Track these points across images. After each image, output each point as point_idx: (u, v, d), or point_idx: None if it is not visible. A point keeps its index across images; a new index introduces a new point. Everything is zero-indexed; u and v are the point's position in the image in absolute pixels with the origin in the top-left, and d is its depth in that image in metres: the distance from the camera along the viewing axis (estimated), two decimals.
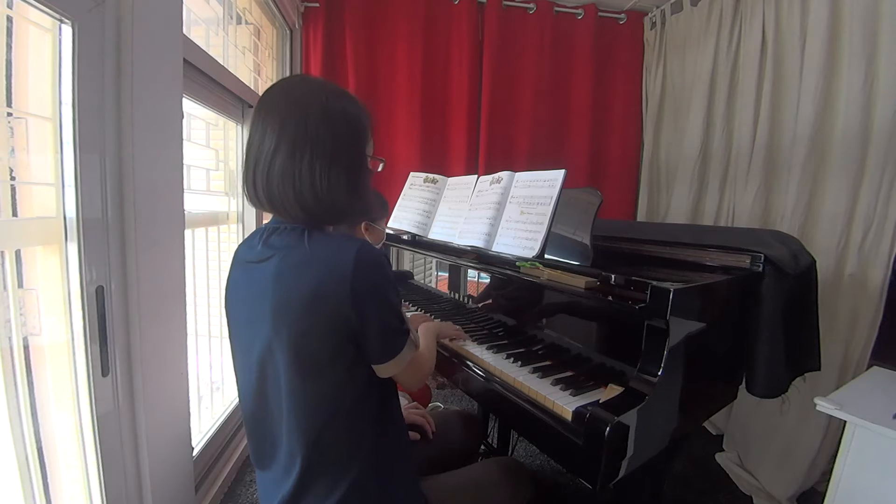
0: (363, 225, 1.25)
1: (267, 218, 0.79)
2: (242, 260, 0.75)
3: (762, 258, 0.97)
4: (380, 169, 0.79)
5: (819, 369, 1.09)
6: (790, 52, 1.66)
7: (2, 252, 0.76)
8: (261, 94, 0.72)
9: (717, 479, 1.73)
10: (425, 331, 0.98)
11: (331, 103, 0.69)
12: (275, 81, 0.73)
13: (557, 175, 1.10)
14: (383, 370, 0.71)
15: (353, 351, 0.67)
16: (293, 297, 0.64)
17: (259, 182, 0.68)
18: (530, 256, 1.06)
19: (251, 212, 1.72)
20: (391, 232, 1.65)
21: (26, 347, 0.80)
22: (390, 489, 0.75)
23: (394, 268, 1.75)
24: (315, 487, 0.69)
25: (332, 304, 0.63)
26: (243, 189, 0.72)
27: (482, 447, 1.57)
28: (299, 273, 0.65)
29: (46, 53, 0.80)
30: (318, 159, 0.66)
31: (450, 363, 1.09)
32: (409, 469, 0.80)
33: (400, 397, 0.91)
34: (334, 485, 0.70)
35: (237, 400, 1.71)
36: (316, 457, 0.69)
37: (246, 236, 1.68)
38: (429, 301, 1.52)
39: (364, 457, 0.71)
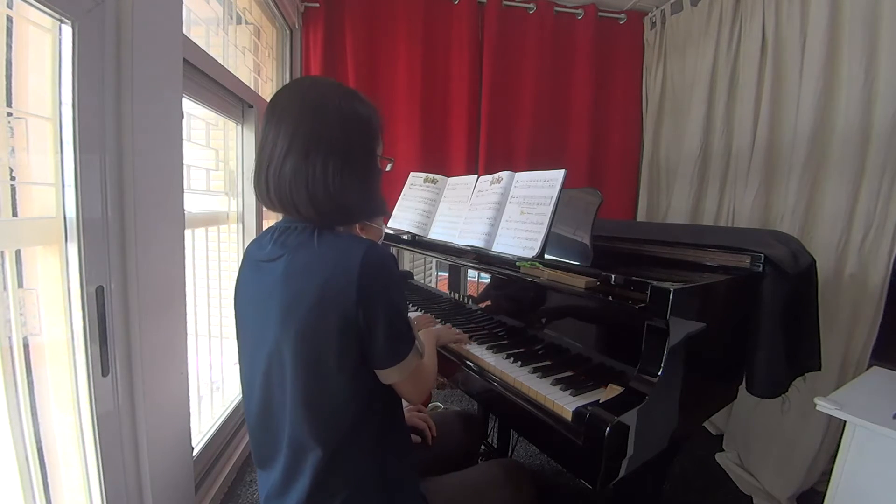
0: (358, 224, 1.24)
1: (268, 218, 0.79)
2: (253, 258, 0.75)
3: (762, 258, 0.97)
4: (388, 168, 0.79)
5: (819, 369, 1.09)
6: (790, 52, 1.66)
7: (2, 252, 0.76)
8: (260, 93, 0.72)
9: (717, 479, 1.73)
10: (423, 340, 0.97)
11: (344, 104, 0.70)
12: (285, 83, 0.73)
13: (557, 175, 1.10)
14: (386, 376, 0.70)
15: (358, 353, 0.67)
16: (302, 296, 0.64)
17: (271, 181, 0.68)
18: (530, 256, 1.06)
19: (251, 212, 1.72)
20: (391, 232, 1.65)
21: (26, 347, 0.80)
22: (392, 491, 0.74)
23: None
24: (317, 488, 0.69)
25: (338, 303, 0.63)
26: (254, 188, 0.72)
27: (482, 447, 1.57)
28: (308, 272, 0.66)
29: (46, 53, 0.80)
30: (332, 160, 0.67)
31: (450, 363, 1.09)
32: (411, 471, 0.80)
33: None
34: (336, 486, 0.70)
35: (237, 400, 1.74)
36: (317, 458, 0.68)
37: (249, 234, 1.70)
38: (429, 301, 1.52)
39: (367, 459, 0.71)
